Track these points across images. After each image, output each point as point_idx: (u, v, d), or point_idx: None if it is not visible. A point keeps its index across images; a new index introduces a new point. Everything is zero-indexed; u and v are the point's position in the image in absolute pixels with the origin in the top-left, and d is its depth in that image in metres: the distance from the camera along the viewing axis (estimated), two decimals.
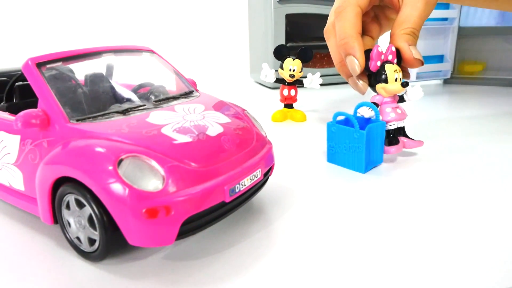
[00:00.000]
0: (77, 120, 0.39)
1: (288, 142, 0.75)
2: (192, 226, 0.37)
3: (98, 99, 0.46)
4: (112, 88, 0.48)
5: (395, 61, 0.40)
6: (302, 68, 0.86)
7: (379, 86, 0.43)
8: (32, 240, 0.43)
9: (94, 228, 0.36)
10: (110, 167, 0.34)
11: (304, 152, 0.69)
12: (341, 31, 0.38)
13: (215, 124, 0.42)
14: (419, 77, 1.29)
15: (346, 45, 0.38)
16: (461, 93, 1.22)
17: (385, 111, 0.52)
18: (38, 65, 0.42)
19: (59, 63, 0.44)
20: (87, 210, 0.36)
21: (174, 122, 0.40)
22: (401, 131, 0.59)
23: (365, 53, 0.41)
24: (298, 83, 0.88)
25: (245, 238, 0.42)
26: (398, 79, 0.42)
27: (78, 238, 0.39)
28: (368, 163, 0.58)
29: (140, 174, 0.34)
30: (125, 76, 0.53)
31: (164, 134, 0.38)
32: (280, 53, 0.86)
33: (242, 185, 0.40)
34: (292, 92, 0.88)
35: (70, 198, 0.38)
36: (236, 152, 0.41)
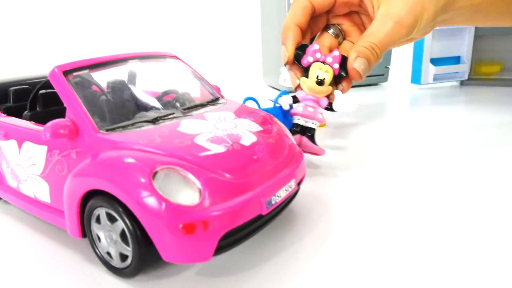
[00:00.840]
0: (107, 130, 0.38)
1: None
2: (229, 241, 0.35)
3: (126, 107, 0.45)
4: (138, 95, 0.47)
5: (336, 66, 0.38)
6: None
7: (301, 80, 0.42)
8: (59, 254, 0.41)
9: (127, 244, 0.35)
10: (145, 180, 0.32)
11: (327, 158, 0.67)
12: (284, 21, 0.38)
13: (248, 132, 0.41)
14: (436, 79, 1.27)
15: (282, 35, 0.38)
16: (477, 95, 1.20)
17: (298, 104, 0.51)
18: (65, 73, 0.41)
19: (86, 71, 0.43)
20: (120, 224, 0.35)
21: (207, 131, 0.39)
22: (308, 132, 0.55)
23: (304, 47, 0.40)
24: None
25: (280, 252, 0.40)
26: (320, 78, 0.40)
27: (108, 253, 0.37)
28: None
29: (176, 187, 0.33)
30: (150, 83, 0.52)
31: (197, 144, 0.37)
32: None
33: (278, 196, 0.38)
34: None
35: (101, 212, 0.36)
36: (270, 162, 0.39)
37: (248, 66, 1.67)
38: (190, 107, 0.45)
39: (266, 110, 0.56)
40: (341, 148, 0.73)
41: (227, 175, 0.35)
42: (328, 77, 0.40)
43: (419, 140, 0.77)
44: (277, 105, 0.56)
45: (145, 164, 0.33)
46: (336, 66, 0.38)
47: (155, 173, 0.33)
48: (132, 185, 0.33)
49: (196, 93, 0.52)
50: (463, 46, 1.30)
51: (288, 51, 0.38)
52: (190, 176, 0.34)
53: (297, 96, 0.49)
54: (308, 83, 0.41)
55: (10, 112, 0.52)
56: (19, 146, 0.44)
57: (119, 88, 0.48)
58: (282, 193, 0.39)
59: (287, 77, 0.86)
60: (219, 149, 0.37)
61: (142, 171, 0.33)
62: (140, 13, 1.66)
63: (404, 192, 0.53)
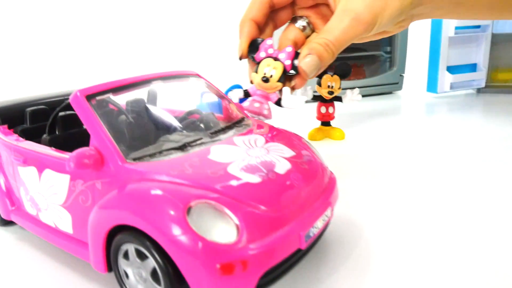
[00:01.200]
0: (134, 159, 0.36)
1: (331, 163, 0.70)
2: (268, 279, 0.33)
3: (149, 131, 0.43)
4: (161, 117, 0.45)
5: (287, 62, 0.37)
6: (340, 84, 0.82)
7: (252, 75, 0.41)
8: None
9: (158, 282, 0.32)
10: (179, 216, 0.30)
11: (350, 174, 0.65)
12: (242, 16, 0.38)
13: (281, 159, 0.38)
14: (452, 87, 1.24)
15: (239, 29, 0.37)
16: (495, 103, 1.17)
17: (247, 99, 0.47)
18: (87, 97, 0.39)
19: (109, 95, 0.41)
20: (150, 262, 0.32)
21: (239, 159, 0.37)
22: None
23: (259, 42, 0.39)
24: (336, 99, 0.84)
25: (317, 285, 0.38)
26: (268, 74, 0.39)
27: None
28: None
29: (212, 224, 0.31)
30: (172, 103, 0.50)
31: (231, 175, 0.34)
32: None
33: (315, 228, 0.36)
34: (330, 109, 0.84)
35: (129, 248, 0.34)
36: (306, 190, 0.37)
37: None
38: (217, 131, 0.43)
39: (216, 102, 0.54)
40: (362, 162, 0.71)
41: (264, 208, 0.33)
42: (276, 74, 0.39)
43: (440, 152, 0.75)
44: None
45: (178, 199, 0.31)
46: (288, 62, 0.37)
47: (189, 209, 0.31)
48: (165, 222, 0.30)
49: (220, 112, 0.50)
50: (480, 53, 1.27)
51: (241, 46, 0.37)
52: (227, 211, 0.31)
53: (249, 90, 0.48)
54: (257, 79, 0.40)
55: (27, 134, 0.50)
56: (39, 173, 0.42)
57: (140, 110, 0.46)
58: (319, 224, 0.37)
59: (304, 90, 0.84)
60: (254, 179, 0.35)
61: (175, 206, 0.31)
62: (151, 22, 1.65)
63: (436, 208, 0.50)
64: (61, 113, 0.47)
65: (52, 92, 0.58)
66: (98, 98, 0.39)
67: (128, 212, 0.32)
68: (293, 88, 0.41)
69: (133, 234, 0.33)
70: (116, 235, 0.34)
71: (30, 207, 0.45)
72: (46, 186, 0.41)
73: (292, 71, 0.37)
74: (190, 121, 0.47)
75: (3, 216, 0.50)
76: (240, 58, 0.40)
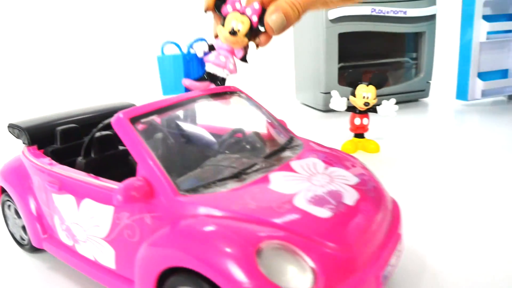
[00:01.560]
0: (187, 191, 0.32)
1: None
2: None
3: (196, 156, 0.39)
4: (206, 139, 0.41)
5: (254, 18, 0.37)
6: (376, 95, 0.78)
7: (218, 28, 0.41)
8: None
9: None
10: (248, 260, 0.26)
11: (393, 192, 0.60)
12: None
13: (347, 187, 0.35)
14: (484, 94, 1.19)
15: None
16: None
17: (212, 53, 0.48)
18: (132, 120, 0.35)
19: (154, 116, 0.37)
20: None
21: (304, 189, 0.33)
22: (218, 81, 0.49)
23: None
24: (370, 111, 0.80)
25: None
26: (235, 28, 0.39)
27: None
28: (166, 90, 0.51)
29: (286, 269, 0.27)
30: (215, 122, 0.46)
31: (299, 208, 0.31)
32: None
33: (391, 266, 0.32)
34: (365, 121, 0.80)
35: None
36: (377, 223, 0.33)
37: (280, 83, 1.62)
38: (270, 154, 0.39)
39: (185, 55, 0.52)
40: (403, 178, 0.67)
41: (339, 247, 0.29)
42: (243, 28, 0.38)
43: (482, 164, 0.70)
44: (191, 51, 0.52)
45: (247, 240, 0.27)
46: (255, 18, 0.37)
47: (259, 251, 0.27)
48: (232, 266, 0.27)
49: (265, 131, 0.46)
50: (511, 59, 1.22)
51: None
52: (300, 253, 0.28)
53: (214, 44, 0.46)
54: (223, 32, 0.38)
55: (57, 155, 0.47)
56: (78, 203, 0.38)
57: (181, 130, 0.42)
58: (393, 261, 0.33)
59: (338, 101, 0.80)
60: (325, 213, 0.31)
61: (243, 248, 0.27)
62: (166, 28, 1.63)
63: (493, 224, 0.46)
64: (96, 134, 0.44)
65: (82, 109, 0.55)
66: (143, 120, 0.36)
67: (186, 253, 0.29)
68: (257, 45, 0.40)
69: (190, 277, 0.29)
70: (169, 276, 0.31)
71: (65, 237, 0.42)
72: (86, 217, 0.38)
73: (259, 27, 0.37)
74: (234, 141, 0.43)
75: (34, 244, 0.47)
76: (206, 11, 0.40)
